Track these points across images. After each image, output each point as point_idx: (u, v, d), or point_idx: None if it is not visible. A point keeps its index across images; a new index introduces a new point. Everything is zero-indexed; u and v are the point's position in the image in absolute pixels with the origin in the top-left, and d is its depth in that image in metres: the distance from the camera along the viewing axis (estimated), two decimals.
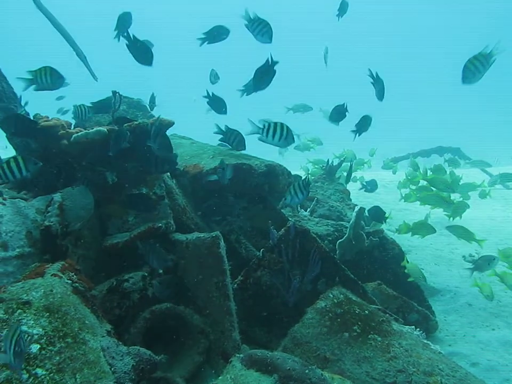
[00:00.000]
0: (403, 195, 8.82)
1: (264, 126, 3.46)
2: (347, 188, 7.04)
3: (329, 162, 7.14)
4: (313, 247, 3.72)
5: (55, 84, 3.61)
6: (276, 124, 3.46)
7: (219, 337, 3.39)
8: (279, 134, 3.44)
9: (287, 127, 3.48)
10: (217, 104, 4.99)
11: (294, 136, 3.57)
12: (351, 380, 2.59)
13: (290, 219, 4.48)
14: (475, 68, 3.28)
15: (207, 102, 5.01)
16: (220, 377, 2.47)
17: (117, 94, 5.02)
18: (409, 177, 9.13)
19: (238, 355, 2.57)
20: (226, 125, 4.56)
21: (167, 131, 4.04)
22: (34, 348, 1.90)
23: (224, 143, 4.92)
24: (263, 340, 3.68)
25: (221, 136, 4.67)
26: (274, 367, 2.39)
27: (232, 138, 4.50)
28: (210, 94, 4.94)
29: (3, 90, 3.91)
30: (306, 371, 2.37)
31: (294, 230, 3.75)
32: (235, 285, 3.73)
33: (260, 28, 3.89)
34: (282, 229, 3.83)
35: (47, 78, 3.53)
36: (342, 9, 6.24)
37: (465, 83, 3.32)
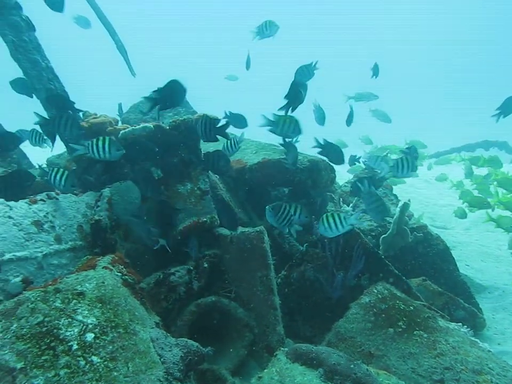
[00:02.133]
0: (460, 190, 8.61)
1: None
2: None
3: None
4: (357, 242, 3.70)
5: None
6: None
7: (263, 331, 3.43)
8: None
9: None
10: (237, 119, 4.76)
11: None
12: (396, 376, 2.56)
13: None
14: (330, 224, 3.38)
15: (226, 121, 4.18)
16: (265, 370, 2.49)
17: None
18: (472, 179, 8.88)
19: (282, 349, 2.59)
20: (325, 139, 4.34)
21: None
22: (89, 336, 1.97)
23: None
24: (307, 334, 3.69)
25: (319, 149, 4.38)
26: (320, 361, 2.40)
27: (332, 152, 4.31)
28: (228, 113, 4.75)
29: (55, 90, 4.06)
30: (352, 366, 2.36)
31: None
32: (279, 280, 3.75)
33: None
34: None
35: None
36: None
37: (327, 236, 3.49)
